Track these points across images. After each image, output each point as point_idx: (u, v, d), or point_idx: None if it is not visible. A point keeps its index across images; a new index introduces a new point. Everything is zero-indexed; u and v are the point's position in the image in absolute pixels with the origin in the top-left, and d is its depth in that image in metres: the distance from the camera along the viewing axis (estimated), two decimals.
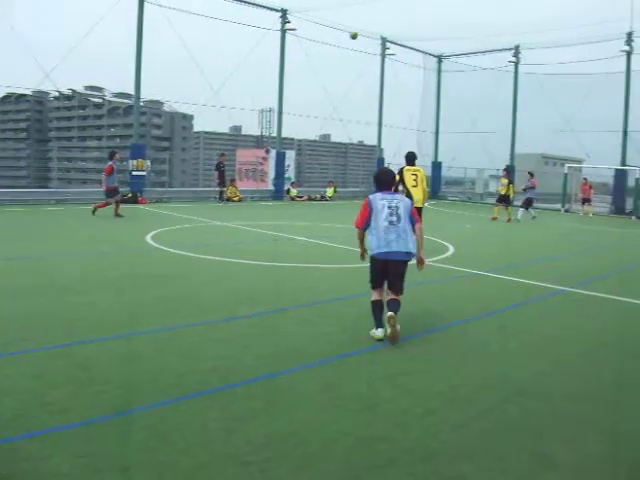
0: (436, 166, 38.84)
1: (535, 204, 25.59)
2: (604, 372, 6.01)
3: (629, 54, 31.21)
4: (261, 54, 31.48)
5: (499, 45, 35.22)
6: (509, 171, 25.22)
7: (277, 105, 31.21)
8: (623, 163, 31.63)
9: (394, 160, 35.89)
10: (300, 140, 32.37)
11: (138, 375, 5.29)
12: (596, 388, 5.52)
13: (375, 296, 6.81)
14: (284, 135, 32.57)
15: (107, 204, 18.39)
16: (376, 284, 6.84)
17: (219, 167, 26.72)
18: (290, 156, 32.57)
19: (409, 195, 12.87)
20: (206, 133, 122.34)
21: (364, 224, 6.86)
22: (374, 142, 36.56)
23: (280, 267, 10.94)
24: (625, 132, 31.62)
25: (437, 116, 39.75)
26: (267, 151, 31.22)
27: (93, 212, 18.17)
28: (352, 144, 35.18)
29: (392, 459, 3.91)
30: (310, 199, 30.38)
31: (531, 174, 25.20)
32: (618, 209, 30.89)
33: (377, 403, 4.86)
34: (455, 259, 12.61)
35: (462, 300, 8.98)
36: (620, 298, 9.51)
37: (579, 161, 37.48)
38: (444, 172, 39.63)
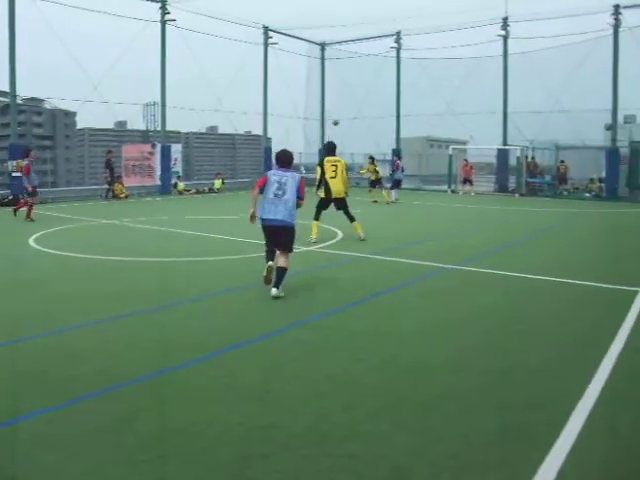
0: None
1: (423, 185, 26.52)
2: (488, 345, 6.33)
3: (505, 38, 32.65)
4: (142, 47, 30.76)
5: (381, 32, 35.91)
6: (374, 158, 25.90)
7: (160, 98, 30.58)
8: (504, 143, 33.08)
9: (280, 148, 36.10)
10: (187, 133, 31.98)
11: (21, 382, 5.11)
12: (480, 361, 5.80)
13: (268, 265, 8.12)
14: (170, 128, 32.01)
15: (27, 203, 17.53)
16: (267, 243, 8.41)
17: (109, 164, 26.05)
18: (177, 150, 32.04)
19: (327, 187, 12.89)
20: (90, 130, 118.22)
21: (259, 189, 8.30)
22: (261, 132, 36.51)
23: (168, 262, 10.81)
24: (505, 113, 33.07)
25: (322, 103, 40.02)
26: (153, 146, 30.54)
27: (15, 213, 17.85)
28: (240, 135, 35.02)
29: (283, 445, 3.96)
30: (198, 192, 30.04)
31: (398, 157, 26.31)
32: (502, 187, 32.32)
33: (268, 391, 4.90)
34: (344, 244, 12.87)
35: (350, 283, 9.19)
36: (502, 272, 10.06)
37: (463, 142, 38.84)
38: None
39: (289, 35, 36.77)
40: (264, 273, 8.04)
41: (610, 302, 8.27)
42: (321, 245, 12.54)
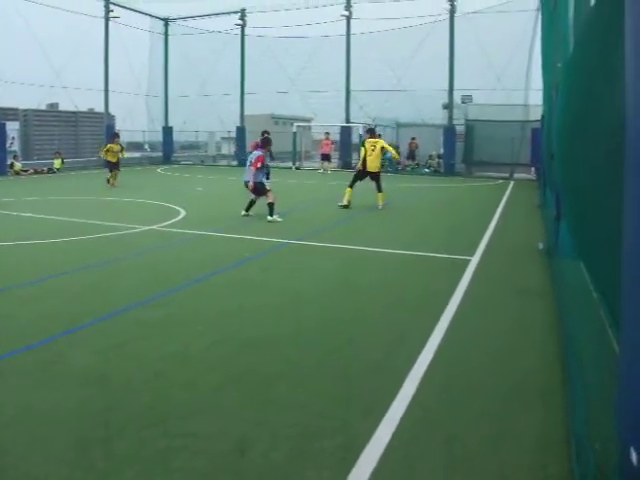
0: (167, 131, 38.22)
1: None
2: (327, 317, 6.47)
3: (349, 19, 33.31)
4: None
5: (226, 8, 35.41)
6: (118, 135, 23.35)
7: None
8: (347, 120, 33.84)
9: (124, 126, 34.87)
10: (26, 110, 29.98)
11: None
12: (320, 333, 5.92)
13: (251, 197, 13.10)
14: (4, 105, 29.86)
15: None
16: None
17: None
18: (13, 127, 29.99)
19: (365, 162, 15.58)
20: None
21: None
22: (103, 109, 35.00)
23: (1, 246, 10.14)
24: (348, 91, 33.79)
25: (165, 80, 38.88)
26: None
27: None
28: (82, 112, 33.27)
29: (122, 428, 3.85)
30: (36, 172, 28.34)
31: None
32: (345, 164, 33.04)
33: (105, 374, 4.72)
34: (185, 222, 12.64)
35: (191, 261, 9.06)
36: (340, 246, 10.36)
37: (307, 120, 39.33)
38: (176, 137, 39.21)
39: (131, 9, 35.36)
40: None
41: (444, 271, 8.70)
42: (163, 224, 12.25)
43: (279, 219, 12.95)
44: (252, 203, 13.50)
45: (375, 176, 15.72)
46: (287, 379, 4.68)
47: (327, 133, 32.61)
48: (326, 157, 31.70)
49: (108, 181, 21.16)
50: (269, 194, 13.08)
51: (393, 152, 17.70)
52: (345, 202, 15.46)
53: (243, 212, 13.51)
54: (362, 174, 15.75)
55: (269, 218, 12.89)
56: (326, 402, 4.28)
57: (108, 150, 21.65)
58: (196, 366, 4.93)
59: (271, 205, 12.95)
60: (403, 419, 4.00)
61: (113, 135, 22.77)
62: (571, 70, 7.45)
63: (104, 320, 6.08)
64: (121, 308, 6.49)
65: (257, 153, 13.29)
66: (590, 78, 5.15)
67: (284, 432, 3.82)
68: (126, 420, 3.97)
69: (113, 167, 21.44)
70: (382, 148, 15.81)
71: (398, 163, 26.75)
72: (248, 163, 13.36)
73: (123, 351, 5.25)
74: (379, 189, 15.62)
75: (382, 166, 16.56)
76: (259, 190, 13.16)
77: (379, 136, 16.91)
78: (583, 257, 6.68)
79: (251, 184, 13.09)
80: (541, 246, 10.04)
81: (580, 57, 6.28)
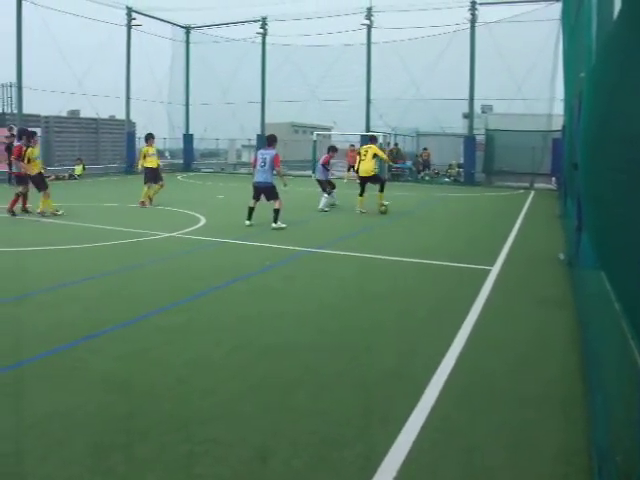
0: (188, 138, 38.53)
1: (288, 171, 26.41)
2: (347, 325, 6.46)
3: (369, 27, 33.37)
4: None
5: (247, 17, 35.63)
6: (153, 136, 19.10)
7: (16, 80, 28.84)
8: (367, 129, 33.86)
9: (145, 133, 35.11)
10: (47, 117, 30.34)
11: None
12: (339, 340, 5.92)
13: (251, 204, 13.20)
14: (28, 112, 30.24)
15: None
16: (253, 196, 13.15)
17: None
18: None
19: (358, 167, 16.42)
20: None
21: (253, 165, 13.47)
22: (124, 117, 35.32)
23: (22, 252, 10.25)
24: (368, 100, 33.85)
25: (187, 88, 39.25)
26: (10, 129, 28.75)
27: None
28: (103, 119, 33.63)
29: (143, 433, 3.87)
30: (57, 178, 28.59)
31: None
32: None
33: (127, 380, 4.76)
34: (206, 229, 12.71)
35: (212, 268, 9.11)
36: (361, 255, 10.37)
37: (327, 129, 39.43)
38: (196, 144, 39.47)
39: (153, 17, 35.73)
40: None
41: (464, 280, 8.67)
42: (184, 231, 12.34)
43: (283, 225, 12.97)
44: (251, 210, 13.22)
45: (371, 179, 16.29)
46: (306, 387, 4.69)
47: (352, 145, 32.45)
48: (352, 167, 31.36)
49: (150, 200, 16.96)
50: (279, 200, 13.03)
51: (384, 157, 17.84)
52: (362, 209, 16.10)
53: (247, 222, 13.18)
54: (362, 181, 16.35)
55: (274, 225, 12.94)
56: (345, 409, 4.28)
57: (145, 155, 17.45)
58: (215, 373, 4.94)
59: (277, 211, 12.97)
60: (423, 428, 3.99)
61: (148, 136, 18.01)
62: (594, 80, 7.43)
63: (125, 326, 6.13)
64: (142, 314, 6.54)
65: (272, 153, 13.14)
66: (613, 89, 5.14)
67: (304, 440, 3.83)
68: (148, 425, 4.00)
69: (152, 178, 17.08)
70: (374, 154, 16.27)
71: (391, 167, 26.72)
72: (261, 164, 13.03)
73: (144, 357, 5.29)
74: (380, 189, 16.21)
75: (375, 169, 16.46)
76: (273, 193, 13.00)
77: (375, 142, 17.39)
78: (605, 268, 6.64)
79: (267, 185, 13.00)
80: (562, 256, 9.98)
81: (603, 67, 6.26)
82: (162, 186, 17.35)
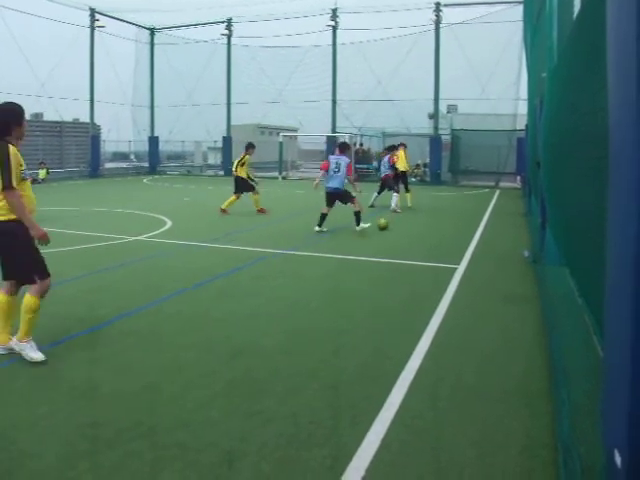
0: (153, 141, 38.29)
1: (254, 172, 26.28)
2: (316, 325, 6.46)
3: (335, 28, 33.48)
4: None
5: (212, 18, 35.55)
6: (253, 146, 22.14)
7: None
8: (333, 130, 33.98)
9: (110, 137, 34.83)
10: None
11: None
12: (309, 341, 5.92)
13: (324, 210, 13.14)
14: None
15: None
16: (326, 204, 13.11)
17: None
18: None
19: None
20: None
21: (324, 170, 13.22)
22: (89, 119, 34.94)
23: None
24: (334, 101, 33.95)
25: (151, 90, 39.01)
26: None
27: None
28: (66, 122, 33.07)
29: (108, 441, 3.82)
30: None
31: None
32: None
33: (94, 387, 4.70)
34: (172, 232, 12.63)
35: (181, 270, 9.05)
36: (328, 255, 10.40)
37: (294, 130, 39.45)
38: (162, 147, 39.23)
39: (117, 18, 35.41)
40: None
41: (431, 279, 8.74)
42: (150, 234, 12.25)
43: (366, 225, 12.98)
44: (324, 217, 13.10)
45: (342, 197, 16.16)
46: (275, 389, 4.67)
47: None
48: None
49: (259, 209, 16.54)
50: (357, 202, 12.94)
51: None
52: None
53: (317, 228, 13.03)
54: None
55: (358, 227, 12.90)
56: (315, 411, 4.27)
57: (244, 163, 16.78)
58: (183, 378, 4.90)
59: (358, 213, 12.92)
60: (391, 427, 4.02)
61: (248, 146, 17.14)
62: (556, 81, 7.54)
63: (91, 332, 6.06)
64: (107, 320, 6.46)
65: (347, 160, 13.19)
66: (574, 89, 5.23)
67: (273, 443, 3.82)
68: (113, 433, 3.95)
69: (244, 187, 16.72)
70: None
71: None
72: (334, 170, 12.94)
73: (110, 363, 5.21)
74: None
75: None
76: (348, 197, 12.99)
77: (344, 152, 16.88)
78: (568, 264, 6.74)
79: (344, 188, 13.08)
80: (527, 254, 10.11)
81: (564, 69, 6.37)
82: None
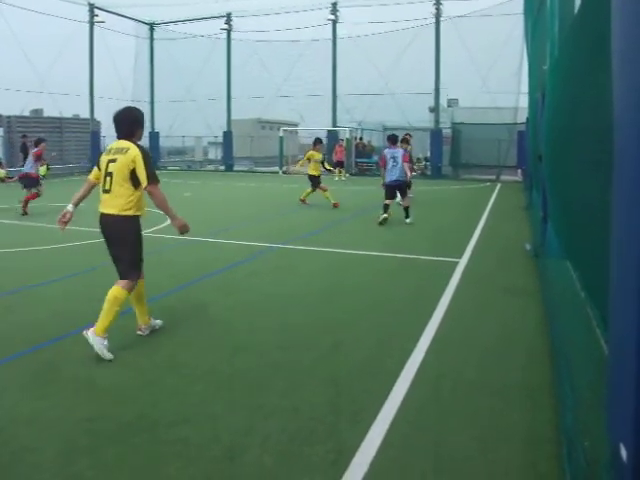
0: (153, 136, 38.17)
1: (255, 167, 26.33)
2: (317, 319, 6.45)
3: (335, 22, 33.38)
4: None
5: (212, 12, 35.45)
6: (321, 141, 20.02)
7: None
8: (334, 124, 33.90)
9: (110, 132, 34.68)
10: (9, 116, 29.65)
11: None
12: (309, 335, 5.90)
13: (387, 202, 13.53)
14: None
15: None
16: (387, 197, 13.59)
17: None
18: None
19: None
20: None
21: (383, 165, 13.69)
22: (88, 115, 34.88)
23: None
24: (334, 95, 33.88)
25: (151, 85, 38.94)
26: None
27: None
28: (67, 118, 33.01)
29: (110, 436, 3.81)
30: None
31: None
32: (333, 167, 32.99)
33: (94, 381, 4.69)
34: (172, 228, 12.47)
35: (180, 266, 9.04)
36: (328, 249, 10.36)
37: (294, 124, 39.38)
38: (162, 142, 39.19)
39: (116, 14, 35.29)
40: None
41: (433, 272, 8.72)
42: (150, 230, 12.21)
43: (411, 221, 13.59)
44: (387, 207, 13.63)
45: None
46: (276, 384, 4.66)
47: (341, 140, 32.30)
48: (340, 164, 30.85)
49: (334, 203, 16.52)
50: (406, 199, 13.76)
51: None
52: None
53: (384, 216, 13.49)
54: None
55: (407, 220, 13.59)
56: (316, 406, 4.26)
57: (310, 158, 16.86)
58: (183, 373, 4.89)
59: (408, 208, 13.66)
60: (394, 422, 4.00)
61: (316, 141, 17.39)
62: (558, 74, 7.51)
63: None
64: None
65: (401, 151, 13.78)
66: (576, 82, 5.19)
67: (275, 437, 3.81)
68: (115, 428, 3.94)
69: (314, 182, 16.78)
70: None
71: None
72: (393, 164, 13.50)
73: (112, 359, 5.19)
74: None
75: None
76: (405, 190, 13.85)
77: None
78: (570, 256, 6.72)
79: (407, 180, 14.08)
80: (528, 247, 10.09)
81: (566, 62, 6.33)
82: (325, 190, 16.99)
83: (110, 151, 5.62)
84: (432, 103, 31.40)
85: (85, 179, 6.03)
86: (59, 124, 34.25)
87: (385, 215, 13.44)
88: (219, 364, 5.10)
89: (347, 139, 32.37)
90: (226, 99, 36.46)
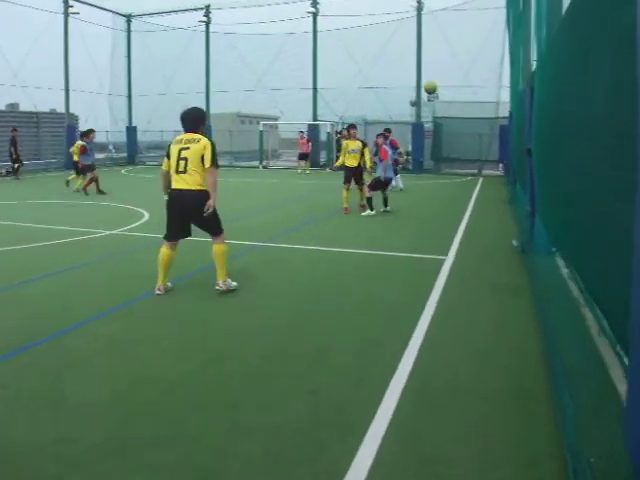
0: (131, 131, 37.57)
1: (234, 162, 26.04)
2: (300, 326, 6.15)
3: (315, 15, 33.07)
4: None
5: (190, 4, 34.96)
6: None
7: None
8: (315, 118, 33.62)
9: (87, 127, 34.11)
10: None
11: None
12: (292, 344, 5.60)
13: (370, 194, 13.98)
14: None
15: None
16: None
17: None
18: None
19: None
20: None
21: (384, 159, 14.14)
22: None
23: None
24: (315, 89, 33.57)
25: (129, 78, 38.20)
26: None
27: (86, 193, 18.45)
28: (43, 113, 32.29)
29: (76, 461, 3.45)
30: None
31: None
32: (313, 162, 32.77)
33: (60, 397, 4.32)
34: (150, 226, 12.11)
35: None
36: (311, 247, 10.08)
37: (274, 118, 39.01)
38: (140, 137, 38.51)
39: (92, 5, 34.59)
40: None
41: (419, 271, 8.47)
42: (126, 228, 11.85)
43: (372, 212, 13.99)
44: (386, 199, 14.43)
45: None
46: (257, 398, 4.34)
47: (301, 132, 31.81)
48: (304, 156, 30.57)
49: (367, 207, 14.19)
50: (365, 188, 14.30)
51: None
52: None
53: (382, 209, 14.28)
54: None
55: (364, 213, 14.04)
56: (301, 423, 3.94)
57: (345, 151, 14.64)
58: (157, 387, 4.51)
59: (370, 200, 13.99)
60: (385, 437, 3.70)
61: (350, 126, 15.36)
62: (547, 70, 7.29)
63: (62, 334, 5.67)
64: (79, 321, 6.05)
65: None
66: (567, 79, 4.96)
67: (256, 460, 3.47)
68: (82, 451, 3.58)
69: (356, 175, 14.49)
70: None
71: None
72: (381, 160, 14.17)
73: (80, 371, 4.82)
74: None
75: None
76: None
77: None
78: (562, 251, 6.51)
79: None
80: (515, 243, 9.88)
81: (555, 58, 6.11)
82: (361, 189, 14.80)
83: (181, 141, 6.88)
84: (414, 97, 31.20)
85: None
86: (35, 119, 33.56)
87: (373, 212, 13.93)
88: (194, 375, 4.74)
89: (328, 133, 32.11)
90: (205, 92, 35.95)
